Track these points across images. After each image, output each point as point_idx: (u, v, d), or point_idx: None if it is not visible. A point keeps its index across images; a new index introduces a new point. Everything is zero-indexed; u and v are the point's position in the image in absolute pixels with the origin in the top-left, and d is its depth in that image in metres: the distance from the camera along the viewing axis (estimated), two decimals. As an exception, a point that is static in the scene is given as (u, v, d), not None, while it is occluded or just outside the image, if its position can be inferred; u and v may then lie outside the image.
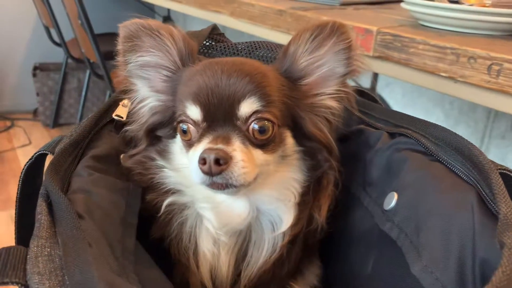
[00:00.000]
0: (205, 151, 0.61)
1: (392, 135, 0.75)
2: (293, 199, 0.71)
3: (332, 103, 0.73)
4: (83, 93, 3.30)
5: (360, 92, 0.91)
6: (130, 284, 0.51)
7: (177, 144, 0.74)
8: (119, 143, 0.80)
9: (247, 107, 0.65)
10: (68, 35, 3.00)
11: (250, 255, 0.72)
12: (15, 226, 0.72)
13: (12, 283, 0.46)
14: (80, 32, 2.54)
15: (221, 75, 0.66)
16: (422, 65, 1.09)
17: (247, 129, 0.66)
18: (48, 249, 0.50)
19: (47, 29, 3.32)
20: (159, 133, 0.76)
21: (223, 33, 1.01)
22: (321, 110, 0.73)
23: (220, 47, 0.96)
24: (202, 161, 0.60)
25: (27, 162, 0.72)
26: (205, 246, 0.71)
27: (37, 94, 3.49)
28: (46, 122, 3.58)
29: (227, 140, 0.63)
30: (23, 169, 0.72)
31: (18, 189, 0.72)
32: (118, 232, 0.63)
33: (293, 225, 0.70)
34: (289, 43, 0.72)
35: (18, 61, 3.63)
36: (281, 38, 1.44)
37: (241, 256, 0.72)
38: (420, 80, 1.15)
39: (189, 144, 0.69)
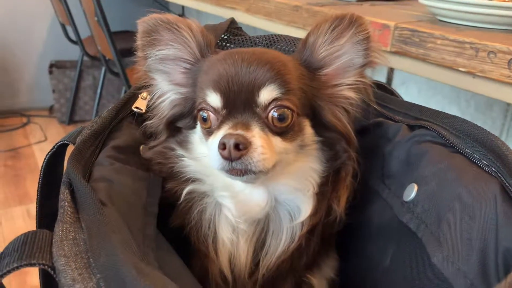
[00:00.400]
0: (225, 136, 0.62)
1: (411, 127, 0.75)
2: (312, 189, 0.71)
3: (351, 94, 0.74)
4: (98, 91, 3.33)
5: (378, 85, 0.90)
6: (153, 269, 0.51)
7: (196, 134, 0.74)
8: (139, 134, 0.81)
9: (266, 94, 0.66)
10: (84, 33, 3.04)
11: (268, 244, 0.72)
12: (36, 215, 0.73)
13: (39, 265, 0.47)
14: (96, 29, 2.57)
15: (241, 63, 0.67)
16: (440, 60, 1.08)
17: (267, 117, 0.66)
18: (73, 234, 0.51)
19: (63, 27, 3.36)
20: (179, 124, 0.76)
21: (241, 27, 1.02)
22: (339, 100, 0.73)
23: (238, 40, 0.96)
24: (222, 146, 0.61)
25: (49, 152, 0.73)
26: (224, 234, 0.71)
27: (53, 91, 3.53)
28: (61, 119, 3.62)
29: (246, 127, 0.64)
30: (44, 158, 0.73)
31: (39, 178, 0.73)
32: (139, 220, 0.64)
33: (312, 215, 0.70)
34: (309, 34, 0.72)
35: (34, 58, 3.68)
36: (297, 34, 1.43)
37: (259, 245, 0.72)
38: (437, 76, 1.14)
39: (208, 132, 0.69)
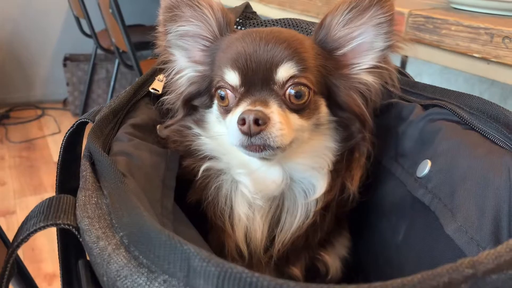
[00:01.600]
0: (244, 112, 0.63)
1: (425, 107, 0.75)
2: (326, 168, 0.72)
3: (369, 78, 0.73)
4: (112, 84, 3.36)
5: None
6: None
7: (213, 113, 0.76)
8: (156, 114, 0.83)
9: (284, 71, 0.67)
10: (98, 26, 3.07)
11: (283, 220, 0.73)
12: (56, 192, 0.75)
13: (64, 225, 0.49)
14: (110, 22, 2.60)
15: (259, 41, 0.68)
16: (455, 46, 1.09)
17: (284, 94, 0.67)
18: (95, 199, 0.53)
19: (77, 20, 3.40)
20: (196, 102, 0.78)
21: (255, 12, 1.03)
22: (356, 82, 0.73)
23: (251, 24, 0.97)
24: (242, 121, 0.62)
25: (68, 130, 0.75)
26: (241, 210, 0.73)
27: (67, 84, 3.57)
28: (75, 112, 3.67)
29: (265, 103, 0.65)
30: (64, 136, 0.75)
31: (59, 156, 0.75)
32: (158, 192, 0.65)
33: (326, 193, 0.71)
34: (326, 15, 0.73)
35: (49, 52, 3.73)
36: (311, 23, 1.45)
37: (275, 221, 0.74)
38: (452, 62, 1.15)
39: (226, 110, 0.71)
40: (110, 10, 2.44)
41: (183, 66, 0.79)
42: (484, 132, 0.62)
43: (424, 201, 0.64)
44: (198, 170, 0.74)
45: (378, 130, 0.82)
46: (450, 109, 0.69)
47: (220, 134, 0.74)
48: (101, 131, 0.70)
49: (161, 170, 0.70)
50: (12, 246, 0.49)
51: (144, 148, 0.70)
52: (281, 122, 0.64)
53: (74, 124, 0.75)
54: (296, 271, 0.79)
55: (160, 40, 0.78)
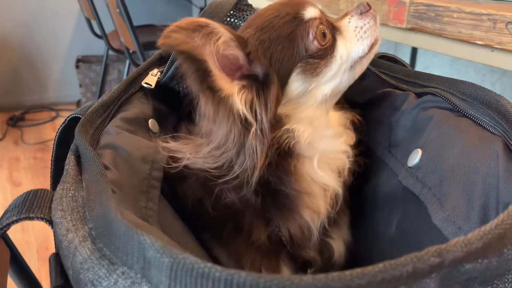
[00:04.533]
0: (358, 6, 0.72)
1: (419, 95, 0.73)
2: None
3: None
4: (123, 84, 3.38)
5: (388, 57, 0.89)
6: (146, 223, 0.52)
7: (295, 88, 0.70)
8: (148, 109, 0.82)
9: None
10: (108, 27, 3.10)
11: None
12: (50, 189, 0.75)
13: (37, 218, 0.48)
14: (118, 21, 2.62)
15: None
16: (457, 34, 1.05)
17: None
18: (73, 192, 0.52)
19: (88, 22, 3.44)
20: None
21: (251, 4, 1.01)
22: None
23: (246, 16, 0.96)
24: (366, 6, 0.72)
25: (60, 126, 0.75)
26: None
27: (80, 86, 3.62)
28: (88, 113, 3.71)
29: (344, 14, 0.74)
30: (56, 132, 0.75)
31: (52, 152, 0.75)
32: (144, 184, 0.64)
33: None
34: None
35: (61, 54, 3.78)
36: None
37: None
38: (454, 51, 1.11)
39: (326, 50, 0.69)
40: (118, 10, 2.45)
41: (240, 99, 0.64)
42: (476, 119, 0.60)
43: (414, 191, 0.62)
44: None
45: (372, 121, 0.80)
46: (443, 96, 0.66)
47: (312, 116, 0.70)
48: (90, 124, 0.70)
49: (148, 162, 0.69)
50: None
51: (131, 141, 0.70)
52: None
53: (65, 119, 0.75)
54: (312, 253, 0.77)
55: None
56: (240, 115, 0.62)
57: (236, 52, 0.65)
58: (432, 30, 1.11)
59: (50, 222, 0.48)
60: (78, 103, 3.88)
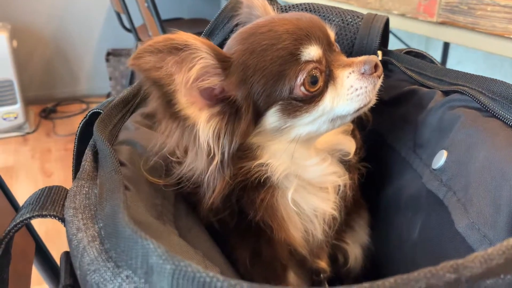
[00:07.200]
0: (366, 61, 0.63)
1: (446, 93, 0.70)
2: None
3: None
4: (152, 77, 3.41)
5: (416, 53, 0.86)
6: (161, 225, 0.51)
7: (266, 127, 0.63)
8: None
9: (332, 32, 0.67)
10: (137, 21, 3.13)
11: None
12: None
13: (50, 216, 0.48)
14: (147, 15, 2.64)
15: (304, 17, 0.65)
16: (491, 28, 1.01)
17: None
18: (87, 189, 0.52)
19: (118, 15, 3.48)
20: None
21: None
22: None
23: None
24: (371, 69, 0.62)
25: (82, 121, 0.75)
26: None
27: (110, 79, 3.67)
28: (118, 105, 3.77)
29: (349, 62, 0.64)
30: (78, 127, 0.75)
31: (74, 147, 0.76)
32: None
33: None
34: None
35: (92, 47, 3.84)
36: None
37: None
38: (488, 45, 1.06)
39: (313, 97, 0.62)
40: (146, 4, 2.47)
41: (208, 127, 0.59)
42: (505, 119, 0.56)
43: (438, 195, 0.59)
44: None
45: (397, 119, 0.78)
46: (471, 95, 0.63)
47: (287, 152, 0.64)
48: (109, 119, 0.70)
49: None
50: (4, 239, 0.49)
51: (149, 137, 0.69)
52: None
53: (87, 114, 0.76)
54: (322, 263, 0.75)
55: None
56: (204, 145, 0.58)
57: (211, 82, 0.59)
58: (465, 24, 1.06)
59: (63, 220, 0.48)
60: (108, 96, 3.94)
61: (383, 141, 0.74)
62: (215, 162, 0.59)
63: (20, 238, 0.79)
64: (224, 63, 0.60)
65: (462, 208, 0.53)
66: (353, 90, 0.62)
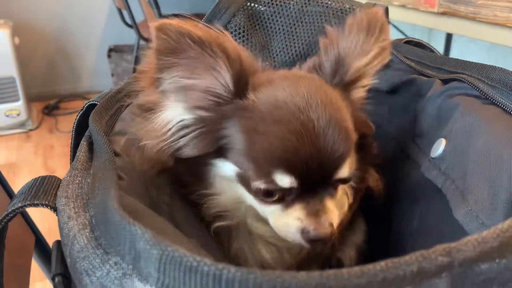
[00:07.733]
0: (312, 228, 0.55)
1: (445, 81, 0.69)
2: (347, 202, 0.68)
3: (365, 94, 0.67)
4: (154, 73, 3.41)
5: (416, 43, 0.85)
6: (155, 215, 0.51)
7: (224, 175, 0.61)
8: None
9: (346, 170, 0.57)
10: (139, 17, 3.12)
11: None
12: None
13: (42, 205, 0.48)
14: (148, 9, 2.63)
15: (314, 130, 0.54)
16: (492, 18, 1.00)
17: (336, 186, 0.59)
18: (80, 178, 0.52)
19: (119, 11, 3.47)
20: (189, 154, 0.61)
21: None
22: (359, 104, 0.67)
23: (268, 1, 0.93)
24: (310, 237, 0.56)
25: (79, 113, 0.75)
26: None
27: (112, 75, 3.67)
28: (120, 102, 3.77)
29: (324, 208, 0.56)
30: (75, 119, 0.75)
31: (71, 139, 0.76)
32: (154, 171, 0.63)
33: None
34: (330, 43, 0.64)
35: (94, 44, 3.84)
36: None
37: None
38: (490, 35, 1.05)
39: (270, 202, 0.59)
40: (147, 0, 2.47)
41: (178, 114, 0.60)
42: (504, 106, 0.56)
43: (437, 183, 0.59)
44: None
45: (397, 109, 0.77)
46: (470, 82, 0.62)
47: (238, 201, 0.63)
48: (106, 110, 0.70)
49: None
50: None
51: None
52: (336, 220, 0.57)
53: (83, 106, 0.75)
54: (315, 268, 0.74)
55: (147, 85, 0.61)
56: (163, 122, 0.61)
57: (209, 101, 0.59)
58: (466, 14, 1.05)
59: (55, 209, 0.48)
60: (110, 92, 3.94)
61: (381, 131, 0.74)
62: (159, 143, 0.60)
63: (19, 231, 0.79)
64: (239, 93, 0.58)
65: (460, 196, 0.52)
66: (287, 229, 0.58)
